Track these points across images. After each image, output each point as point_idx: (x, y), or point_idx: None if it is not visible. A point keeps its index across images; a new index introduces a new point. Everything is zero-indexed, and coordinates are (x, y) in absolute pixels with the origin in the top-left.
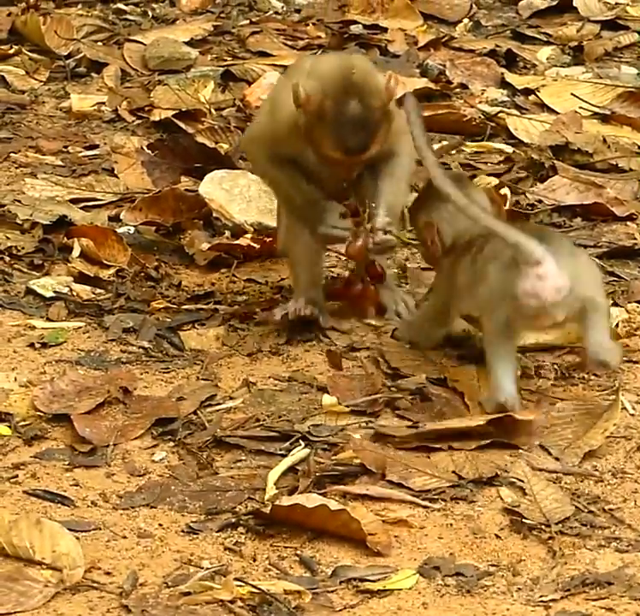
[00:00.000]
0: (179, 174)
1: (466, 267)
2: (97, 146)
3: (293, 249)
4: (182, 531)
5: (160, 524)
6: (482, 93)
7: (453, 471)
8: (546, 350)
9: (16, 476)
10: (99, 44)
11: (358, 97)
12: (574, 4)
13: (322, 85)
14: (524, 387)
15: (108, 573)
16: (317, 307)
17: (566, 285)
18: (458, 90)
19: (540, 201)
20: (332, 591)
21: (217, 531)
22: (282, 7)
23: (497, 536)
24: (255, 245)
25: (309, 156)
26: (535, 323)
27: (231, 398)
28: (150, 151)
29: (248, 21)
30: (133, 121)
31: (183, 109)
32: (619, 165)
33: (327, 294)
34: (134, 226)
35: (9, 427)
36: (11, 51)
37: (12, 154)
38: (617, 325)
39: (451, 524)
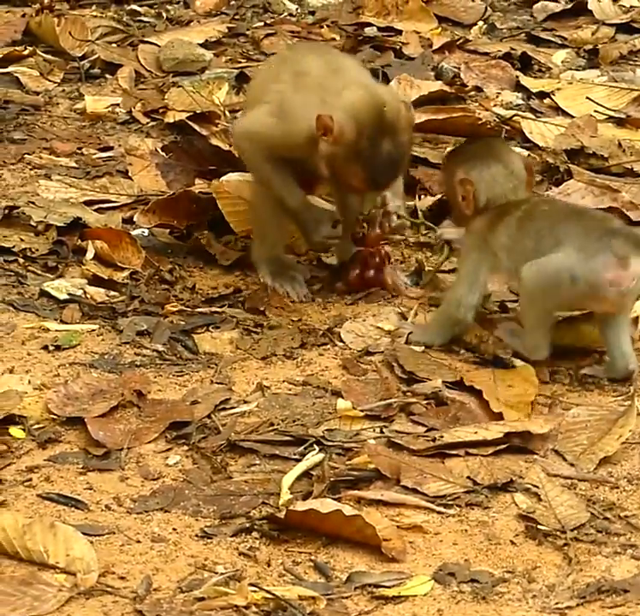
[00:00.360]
0: (193, 176)
1: (509, 230)
2: (111, 148)
3: (264, 210)
4: (196, 536)
5: (174, 529)
6: (497, 96)
7: (468, 477)
8: (561, 354)
9: (30, 479)
10: (113, 45)
11: (391, 135)
12: (589, 7)
13: (356, 123)
14: (538, 393)
15: (122, 578)
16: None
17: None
18: (472, 93)
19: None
20: (347, 597)
21: (231, 536)
22: (297, 9)
23: (512, 543)
24: None
25: (317, 168)
26: (598, 307)
27: (245, 402)
28: (164, 153)
29: (262, 23)
30: (148, 123)
31: (197, 111)
32: (635, 169)
33: (346, 283)
34: (148, 228)
35: (23, 430)
36: (25, 52)
37: (26, 155)
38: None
39: (466, 530)
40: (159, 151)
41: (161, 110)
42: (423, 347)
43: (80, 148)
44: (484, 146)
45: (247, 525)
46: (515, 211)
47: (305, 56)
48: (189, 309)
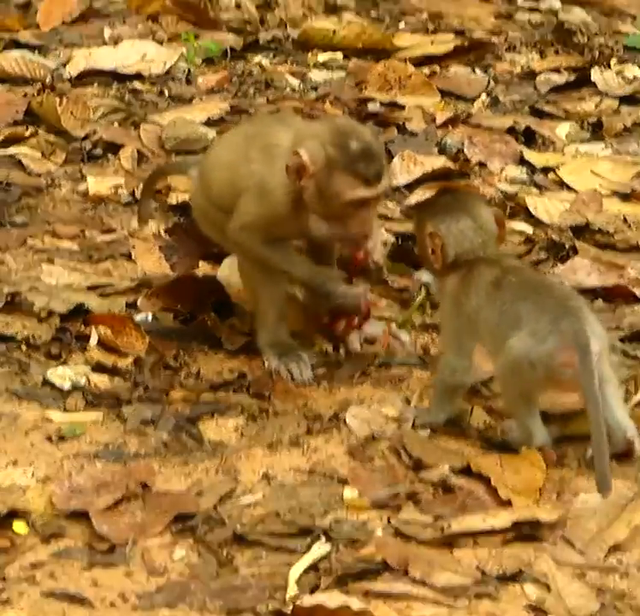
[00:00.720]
0: (197, 258)
1: (479, 298)
2: (114, 230)
3: (262, 295)
4: None
5: None
6: (501, 171)
7: (477, 567)
8: (568, 439)
9: (34, 576)
10: (115, 124)
11: (355, 134)
12: (592, 79)
13: (320, 143)
14: (546, 478)
15: None
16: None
17: (599, 351)
18: (476, 168)
19: (561, 283)
20: None
21: None
22: (299, 84)
23: None
24: None
25: (312, 230)
26: (561, 390)
27: (251, 492)
28: (167, 236)
29: (265, 99)
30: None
31: None
32: None
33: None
34: (152, 313)
35: (27, 524)
36: (27, 133)
37: (29, 239)
38: None
39: None
40: (163, 233)
41: (164, 191)
42: (429, 431)
43: (82, 231)
44: (453, 200)
45: None
46: (487, 275)
47: (270, 128)
48: (194, 395)
